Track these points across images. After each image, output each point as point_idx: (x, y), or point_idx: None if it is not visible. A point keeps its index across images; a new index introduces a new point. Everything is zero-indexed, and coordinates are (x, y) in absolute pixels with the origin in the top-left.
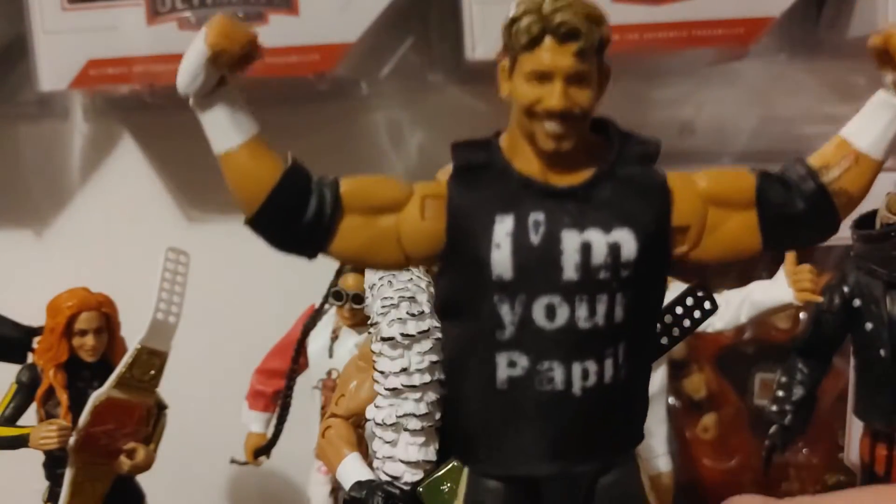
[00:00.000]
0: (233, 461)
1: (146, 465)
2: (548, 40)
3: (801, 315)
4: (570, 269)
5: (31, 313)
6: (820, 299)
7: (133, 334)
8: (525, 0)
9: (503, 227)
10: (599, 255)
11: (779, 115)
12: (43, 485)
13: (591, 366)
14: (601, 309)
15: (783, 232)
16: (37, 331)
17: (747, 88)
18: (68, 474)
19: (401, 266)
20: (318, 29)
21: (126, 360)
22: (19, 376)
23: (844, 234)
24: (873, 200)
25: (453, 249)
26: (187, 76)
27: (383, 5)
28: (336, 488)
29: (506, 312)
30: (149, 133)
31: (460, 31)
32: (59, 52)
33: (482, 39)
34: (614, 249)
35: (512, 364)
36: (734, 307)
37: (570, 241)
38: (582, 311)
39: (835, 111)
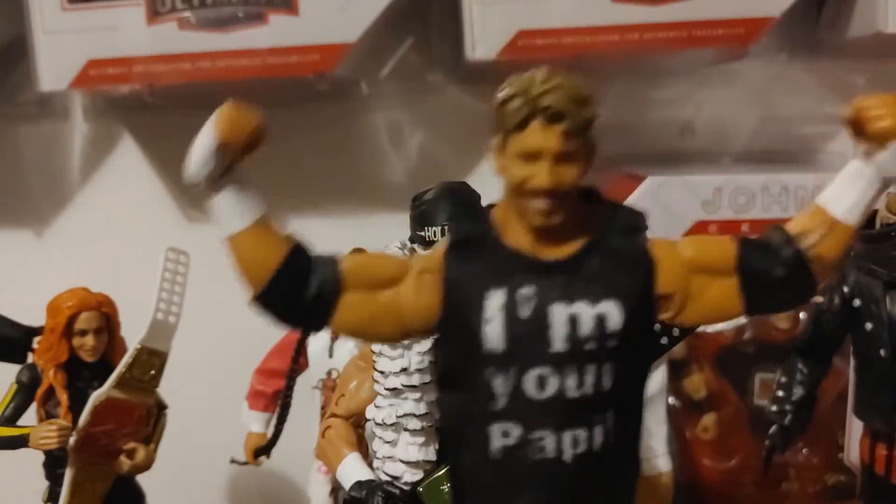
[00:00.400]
0: (233, 461)
1: (146, 465)
2: (535, 122)
3: (801, 315)
4: (558, 341)
5: (31, 313)
6: (820, 299)
7: (133, 334)
8: (514, 81)
9: (495, 302)
10: (586, 326)
11: (779, 115)
12: (43, 485)
13: (581, 433)
14: (589, 378)
15: (764, 297)
16: (37, 331)
17: (747, 88)
18: (68, 474)
19: (401, 338)
20: (318, 29)
21: (126, 360)
22: (19, 376)
23: None
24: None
25: (448, 322)
26: (198, 164)
27: (383, 5)
28: (336, 488)
29: (498, 384)
30: (149, 133)
31: (460, 31)
32: (59, 52)
33: (482, 39)
34: (600, 321)
35: (505, 434)
36: None
37: (559, 314)
38: (571, 381)
39: (835, 111)
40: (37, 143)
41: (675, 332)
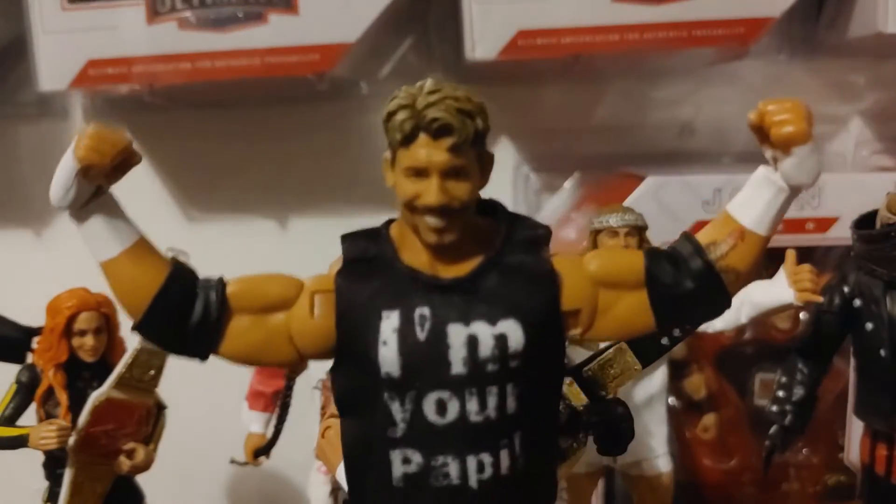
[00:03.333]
0: (233, 461)
1: (146, 466)
2: (422, 136)
3: (802, 315)
4: (457, 363)
5: (30, 313)
6: (820, 299)
7: (133, 334)
8: (399, 94)
9: (389, 324)
10: (486, 347)
11: None
12: (43, 485)
13: (486, 458)
14: (492, 401)
15: (674, 310)
16: (36, 331)
17: (747, 88)
18: (68, 474)
19: (296, 363)
20: (317, 29)
21: (126, 360)
22: (19, 376)
23: (844, 234)
24: (873, 201)
25: (344, 345)
26: (59, 189)
27: (383, 5)
28: (336, 488)
29: (396, 410)
30: (149, 133)
31: (460, 31)
32: (58, 52)
33: (482, 39)
34: (501, 341)
35: (406, 461)
36: (734, 307)
37: (457, 335)
38: (472, 405)
39: (835, 111)
40: (36, 142)
41: (677, 332)
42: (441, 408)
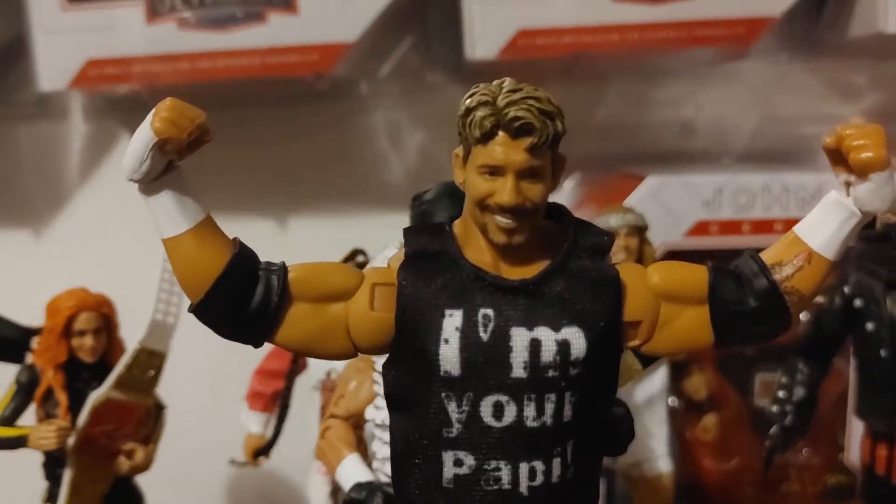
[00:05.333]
0: (232, 461)
1: (145, 466)
2: (501, 135)
3: (802, 315)
4: (518, 367)
5: (30, 313)
6: (820, 299)
7: (132, 334)
8: (479, 90)
9: (452, 322)
10: (548, 353)
11: (779, 115)
12: (43, 485)
13: (539, 465)
14: (549, 408)
15: (735, 328)
16: (36, 331)
17: (747, 88)
18: (68, 474)
19: (350, 356)
20: (317, 29)
21: (125, 360)
22: (18, 377)
23: None
24: None
25: (402, 341)
26: (134, 162)
27: (383, 5)
28: (335, 489)
29: (453, 410)
30: None
31: (460, 31)
32: (58, 51)
33: (482, 39)
34: (563, 347)
35: (458, 462)
36: None
37: (520, 338)
38: (530, 411)
39: (835, 111)
40: (36, 142)
41: None
42: (498, 411)
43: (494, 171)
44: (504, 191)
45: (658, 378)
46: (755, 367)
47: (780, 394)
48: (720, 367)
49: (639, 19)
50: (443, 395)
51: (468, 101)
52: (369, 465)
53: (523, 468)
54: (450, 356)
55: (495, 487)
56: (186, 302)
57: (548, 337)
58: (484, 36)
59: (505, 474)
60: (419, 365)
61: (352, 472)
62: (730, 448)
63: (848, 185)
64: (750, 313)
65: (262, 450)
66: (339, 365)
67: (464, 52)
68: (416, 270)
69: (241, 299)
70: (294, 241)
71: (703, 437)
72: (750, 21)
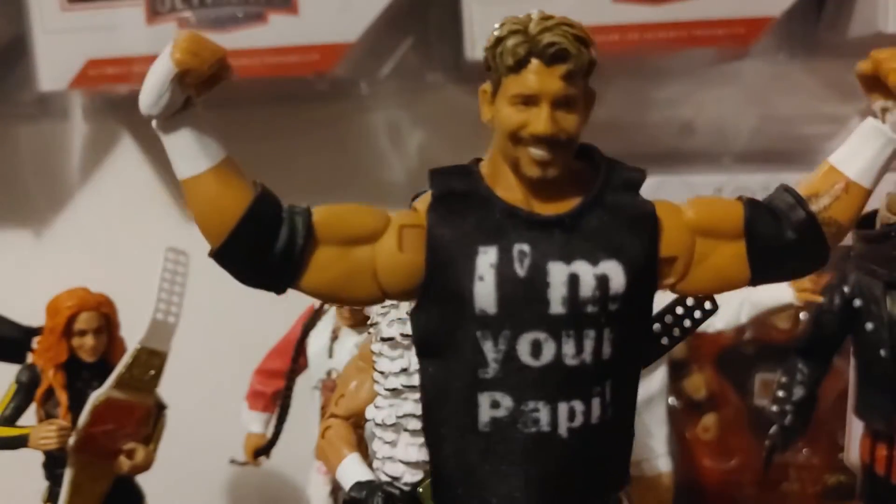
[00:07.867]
0: (232, 461)
1: (146, 466)
2: (534, 62)
3: (802, 315)
4: (556, 302)
5: (30, 313)
6: (820, 299)
7: (133, 334)
8: (510, 20)
9: (486, 259)
10: (587, 287)
11: (779, 115)
12: (43, 485)
13: (578, 405)
14: (589, 345)
15: (772, 263)
16: (36, 331)
17: (747, 88)
18: (68, 474)
19: (377, 301)
20: (317, 29)
21: (126, 360)
22: (19, 376)
23: None
24: (874, 201)
25: (433, 282)
26: (152, 95)
27: (383, 5)
28: (336, 489)
29: (489, 349)
30: (149, 133)
31: (460, 31)
32: (58, 51)
33: (482, 39)
34: (602, 282)
35: (495, 405)
36: (734, 307)
37: (558, 273)
38: (569, 348)
39: (835, 111)
40: (36, 143)
41: (676, 331)
42: (536, 349)
43: (528, 100)
44: (539, 120)
45: (657, 377)
46: (755, 367)
47: (780, 393)
48: (720, 367)
49: (638, 19)
50: (478, 334)
51: (499, 31)
52: (369, 464)
53: (562, 408)
54: (485, 294)
55: (533, 430)
56: (187, 302)
57: (586, 271)
58: (484, 36)
59: (544, 415)
60: (452, 306)
61: (352, 471)
62: (729, 448)
63: (885, 111)
64: (787, 246)
65: (263, 449)
66: (339, 365)
67: (464, 52)
68: (445, 211)
69: (264, 242)
70: None
71: (703, 437)
72: (749, 21)
